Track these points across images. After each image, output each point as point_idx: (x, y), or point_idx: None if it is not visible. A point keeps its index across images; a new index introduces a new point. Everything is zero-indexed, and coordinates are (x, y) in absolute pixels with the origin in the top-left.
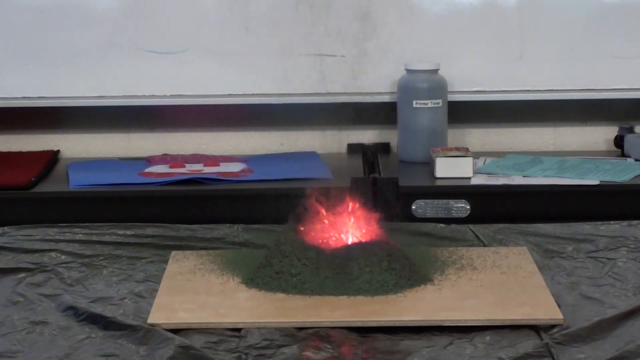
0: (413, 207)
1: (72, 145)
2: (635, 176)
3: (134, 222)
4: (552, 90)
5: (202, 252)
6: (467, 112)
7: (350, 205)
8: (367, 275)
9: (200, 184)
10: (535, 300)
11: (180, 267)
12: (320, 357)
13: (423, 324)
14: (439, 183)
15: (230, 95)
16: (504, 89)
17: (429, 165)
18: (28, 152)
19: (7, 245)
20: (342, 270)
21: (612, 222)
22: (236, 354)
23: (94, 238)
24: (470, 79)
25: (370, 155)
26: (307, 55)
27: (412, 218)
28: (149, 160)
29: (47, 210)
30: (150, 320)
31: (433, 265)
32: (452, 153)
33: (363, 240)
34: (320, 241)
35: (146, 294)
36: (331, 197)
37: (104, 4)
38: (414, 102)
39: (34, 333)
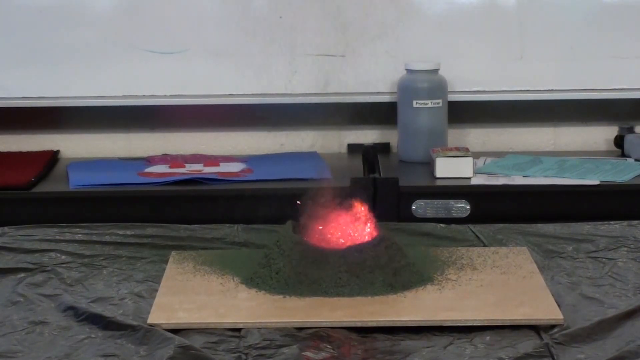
0: (413, 207)
1: (72, 145)
2: (635, 176)
3: (134, 222)
4: (552, 90)
5: (202, 252)
6: (467, 112)
7: (350, 205)
8: (367, 275)
9: (200, 184)
10: (535, 300)
11: (180, 267)
12: (320, 357)
13: (423, 324)
14: (439, 183)
15: (230, 95)
16: (504, 89)
17: (429, 165)
18: (28, 152)
19: (7, 245)
20: (342, 270)
21: (612, 222)
22: (236, 354)
23: (94, 238)
24: (470, 79)
25: (370, 155)
26: (307, 55)
27: (412, 218)
28: (149, 160)
29: (47, 210)
30: (150, 320)
31: (433, 265)
32: (452, 153)
33: (363, 240)
34: (320, 241)
35: (146, 294)
36: (331, 197)
37: (104, 4)
38: (414, 102)
39: (34, 333)
